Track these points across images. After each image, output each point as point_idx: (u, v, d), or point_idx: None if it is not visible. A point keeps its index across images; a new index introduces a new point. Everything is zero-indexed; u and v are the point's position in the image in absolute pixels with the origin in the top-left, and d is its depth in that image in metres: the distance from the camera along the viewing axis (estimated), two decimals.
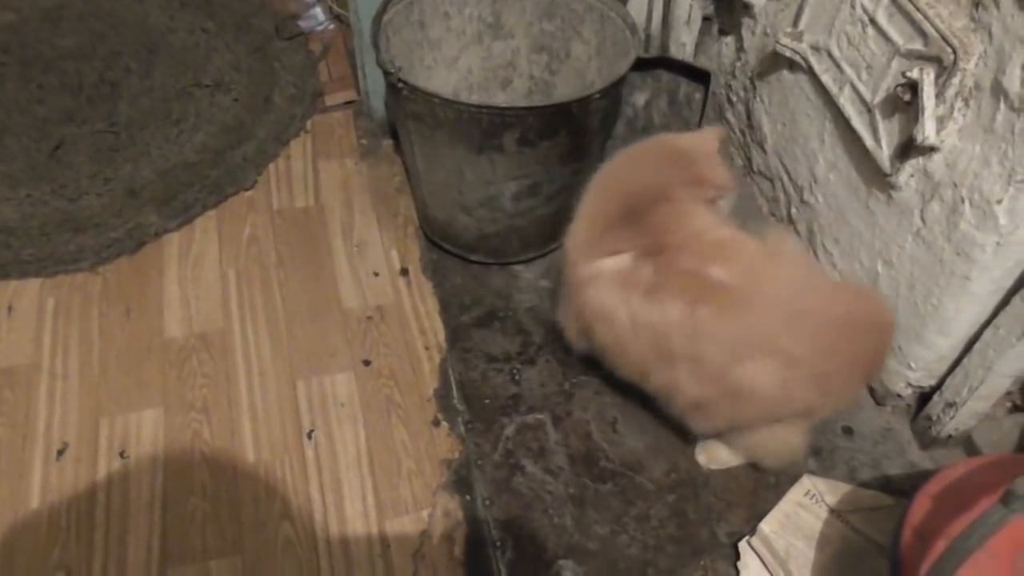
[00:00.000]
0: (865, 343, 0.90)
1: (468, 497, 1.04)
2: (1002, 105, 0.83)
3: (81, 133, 1.48)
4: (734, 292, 0.84)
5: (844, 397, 0.95)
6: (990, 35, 0.83)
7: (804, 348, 0.84)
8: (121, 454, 1.05)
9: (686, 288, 0.84)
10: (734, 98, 1.43)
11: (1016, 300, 0.90)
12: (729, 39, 1.41)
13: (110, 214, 1.34)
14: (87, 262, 1.27)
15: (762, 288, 0.85)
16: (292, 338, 1.21)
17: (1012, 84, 0.81)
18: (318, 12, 1.81)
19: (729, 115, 1.46)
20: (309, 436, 1.09)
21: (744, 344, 0.84)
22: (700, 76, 1.35)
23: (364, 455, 1.08)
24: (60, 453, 1.05)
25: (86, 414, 1.09)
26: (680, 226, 0.87)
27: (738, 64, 1.39)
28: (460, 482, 1.05)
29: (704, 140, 0.97)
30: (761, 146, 1.36)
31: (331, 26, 1.80)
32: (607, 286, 0.88)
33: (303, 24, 1.79)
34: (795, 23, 1.16)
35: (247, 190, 1.43)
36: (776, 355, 0.84)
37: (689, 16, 1.38)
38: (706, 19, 1.42)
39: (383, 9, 1.17)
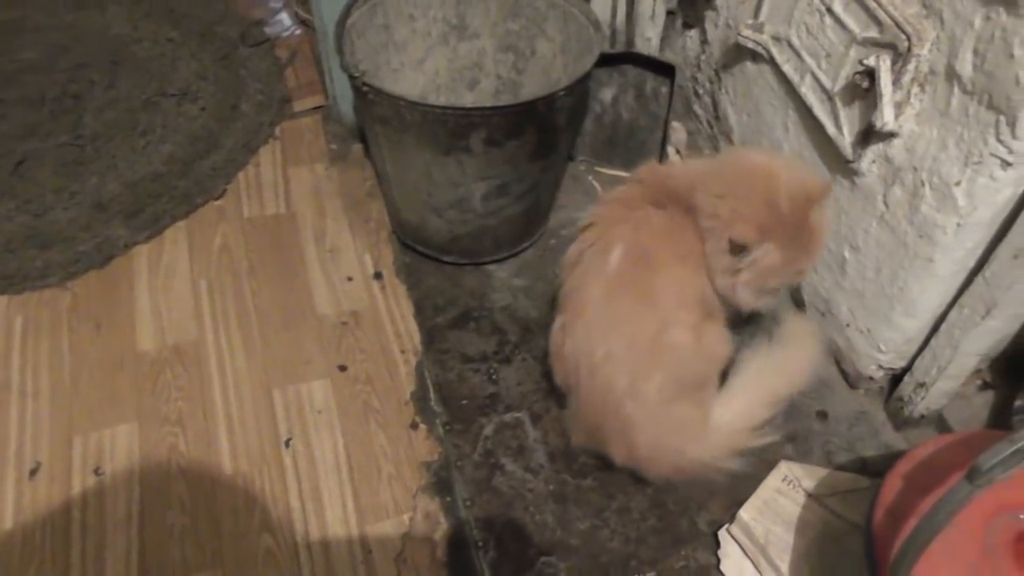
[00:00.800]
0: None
1: (449, 498, 1.04)
2: (956, 89, 0.85)
3: (45, 147, 1.45)
4: (645, 257, 0.94)
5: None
6: (942, 20, 0.85)
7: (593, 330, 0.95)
8: (96, 471, 1.04)
9: (625, 231, 0.95)
10: (700, 90, 1.44)
11: (979, 280, 0.92)
12: (693, 32, 1.42)
13: (77, 228, 1.32)
14: (55, 278, 1.26)
15: (660, 278, 0.94)
16: (267, 346, 1.20)
17: (964, 68, 0.83)
18: (284, 17, 1.80)
19: (696, 107, 1.47)
20: (287, 445, 1.08)
21: (600, 282, 0.95)
22: (666, 70, 1.36)
23: (343, 461, 1.07)
24: (33, 473, 1.03)
25: (58, 432, 1.07)
26: (680, 224, 0.96)
27: (703, 57, 1.40)
28: (440, 484, 1.05)
29: (806, 206, 0.91)
30: (728, 137, 1.37)
31: (298, 31, 1.78)
32: (625, 188, 1.02)
33: (269, 30, 1.77)
34: (756, 15, 1.17)
35: (217, 199, 1.42)
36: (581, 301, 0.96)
37: (653, 11, 1.39)
38: (670, 13, 1.43)
39: (347, 13, 1.17)
